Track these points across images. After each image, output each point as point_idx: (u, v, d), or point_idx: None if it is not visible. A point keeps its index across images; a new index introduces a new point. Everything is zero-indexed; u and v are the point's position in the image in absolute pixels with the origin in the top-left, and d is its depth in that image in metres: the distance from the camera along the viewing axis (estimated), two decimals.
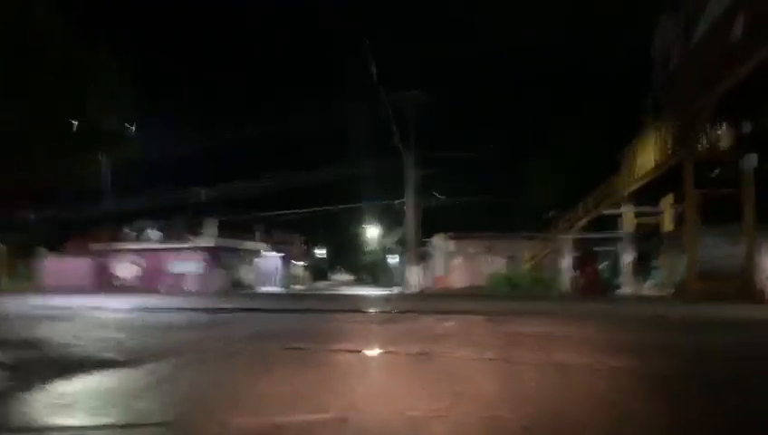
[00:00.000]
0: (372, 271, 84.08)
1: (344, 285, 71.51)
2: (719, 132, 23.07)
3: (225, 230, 46.45)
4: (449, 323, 10.66)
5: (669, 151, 25.33)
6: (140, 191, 42.55)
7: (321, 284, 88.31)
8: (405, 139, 33.90)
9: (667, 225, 32.60)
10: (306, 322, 11.49)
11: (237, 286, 45.76)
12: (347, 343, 7.48)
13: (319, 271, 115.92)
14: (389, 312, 14.15)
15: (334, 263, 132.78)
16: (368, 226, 67.11)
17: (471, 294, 28.64)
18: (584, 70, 39.33)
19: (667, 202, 32.46)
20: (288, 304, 19.84)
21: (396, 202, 36.02)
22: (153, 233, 44.83)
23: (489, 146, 37.88)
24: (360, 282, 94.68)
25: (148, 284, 41.23)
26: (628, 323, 11.63)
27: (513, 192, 42.31)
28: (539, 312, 14.35)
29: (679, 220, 32.96)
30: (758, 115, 21.24)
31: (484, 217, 42.29)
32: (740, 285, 22.15)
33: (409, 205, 34.38)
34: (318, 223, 77.06)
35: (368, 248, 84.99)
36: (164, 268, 42.44)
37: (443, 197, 35.76)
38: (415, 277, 34.45)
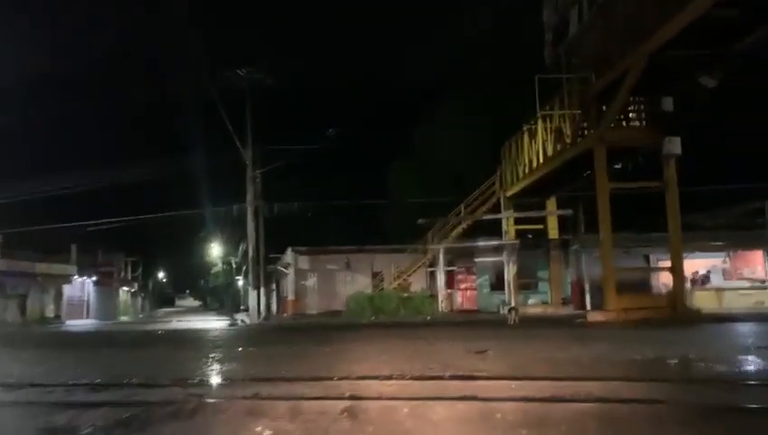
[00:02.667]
0: (218, 295, 74.55)
1: (185, 314, 61.69)
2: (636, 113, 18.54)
3: (13, 248, 36.05)
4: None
5: (568, 139, 20.53)
6: None
7: (163, 311, 77.39)
8: (242, 128, 26.81)
9: (552, 231, 28.30)
10: None
11: (39, 320, 35.59)
12: None
13: (163, 297, 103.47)
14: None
15: (182, 287, 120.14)
16: (212, 241, 58.14)
17: (320, 325, 22.06)
18: (464, 54, 34.43)
19: (552, 205, 28.13)
20: None
21: (235, 208, 28.51)
22: None
23: (350, 140, 31.70)
24: (206, 308, 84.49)
25: None
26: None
27: (381, 197, 36.42)
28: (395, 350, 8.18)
29: (565, 226, 28.94)
30: (689, 85, 16.69)
31: (346, 227, 35.90)
32: (669, 302, 17.54)
33: (250, 211, 27.15)
34: (153, 240, 66.48)
35: (214, 269, 75.72)
36: None
37: (295, 203, 28.80)
38: (256, 303, 27.21)
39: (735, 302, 24.72)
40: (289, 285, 33.41)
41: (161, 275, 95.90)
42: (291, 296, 33.00)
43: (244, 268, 39.53)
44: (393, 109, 38.89)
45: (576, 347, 10.46)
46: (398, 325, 20.16)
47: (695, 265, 25.77)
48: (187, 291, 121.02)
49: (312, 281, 32.68)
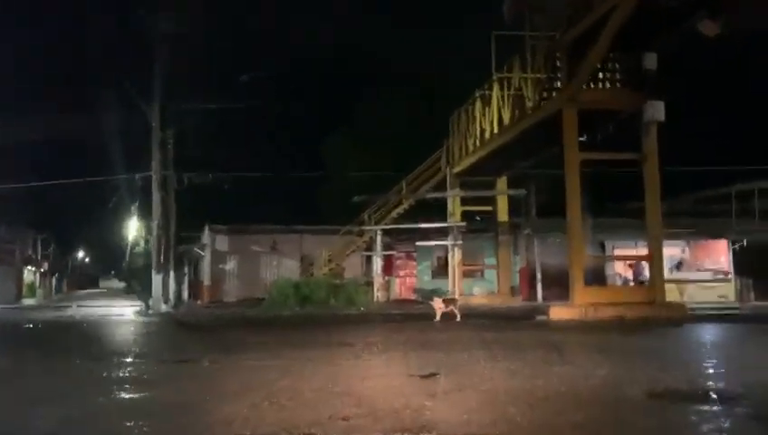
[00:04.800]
0: (139, 277, 69.01)
1: (102, 297, 56.22)
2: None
3: None
4: None
5: (530, 104, 17.45)
6: None
7: (82, 293, 71.33)
8: (148, 83, 22.52)
9: (502, 213, 25.38)
10: None
11: None
12: None
13: (85, 278, 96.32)
14: None
15: (108, 268, 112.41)
16: (128, 217, 52.74)
17: (229, 319, 18.47)
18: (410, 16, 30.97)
19: (504, 185, 25.20)
20: None
21: (138, 177, 24.20)
22: None
23: (280, 106, 27.85)
24: (130, 291, 78.31)
25: None
26: None
27: (314, 171, 32.48)
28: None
29: (516, 209, 26.06)
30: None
31: (273, 205, 31.95)
32: (646, 297, 14.74)
33: (156, 181, 22.99)
34: (68, 215, 60.69)
35: (136, 248, 70.05)
36: None
37: (210, 174, 24.65)
38: (163, 289, 23.18)
39: (698, 295, 22.49)
40: (205, 268, 29.39)
41: (81, 254, 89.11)
42: (207, 281, 29.02)
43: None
44: (331, 75, 34.94)
45: (560, 364, 7.30)
46: (324, 319, 16.74)
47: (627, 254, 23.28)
48: (112, 272, 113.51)
49: (231, 264, 28.83)
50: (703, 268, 24.50)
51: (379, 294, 24.50)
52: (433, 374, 6.55)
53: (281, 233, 28.33)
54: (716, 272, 23.97)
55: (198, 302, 29.08)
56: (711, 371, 7.05)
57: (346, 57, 33.10)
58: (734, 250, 23.62)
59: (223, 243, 28.97)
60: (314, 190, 32.65)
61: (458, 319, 14.53)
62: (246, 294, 27.26)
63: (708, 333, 11.77)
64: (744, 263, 23.52)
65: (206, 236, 29.30)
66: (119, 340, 12.88)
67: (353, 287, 23.46)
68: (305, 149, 34.43)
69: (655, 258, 14.96)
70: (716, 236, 24.19)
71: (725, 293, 23.37)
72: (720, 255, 24.26)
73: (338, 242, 27.06)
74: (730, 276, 23.61)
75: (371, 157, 30.81)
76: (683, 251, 25.12)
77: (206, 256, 29.10)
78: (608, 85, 15.64)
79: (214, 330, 14.41)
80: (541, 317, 14.73)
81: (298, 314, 20.08)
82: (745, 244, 23.37)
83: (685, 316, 13.97)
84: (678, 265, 24.06)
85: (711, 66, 25.81)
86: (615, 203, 25.05)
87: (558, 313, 14.59)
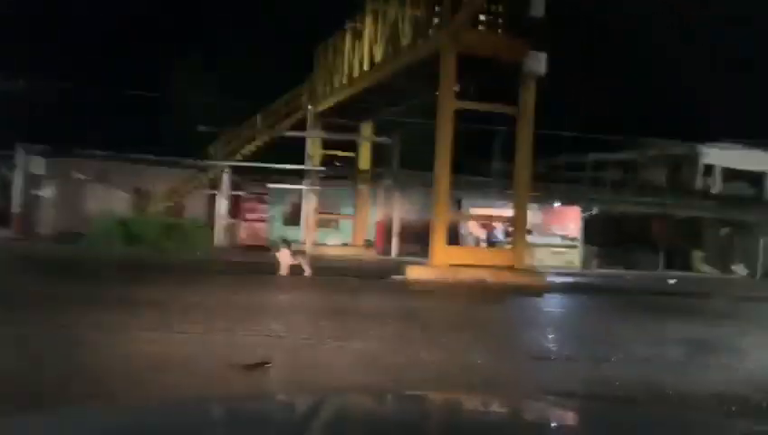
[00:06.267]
0: None
1: None
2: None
3: None
4: None
5: (405, 40, 15.71)
6: None
7: None
8: None
9: (364, 162, 23.82)
10: None
11: None
12: None
13: None
14: None
15: None
16: None
17: (32, 258, 15.37)
18: None
19: (369, 131, 23.56)
20: None
21: None
22: None
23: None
24: None
25: None
26: None
27: (159, 96, 28.43)
28: None
29: (380, 158, 24.57)
30: None
31: (106, 127, 27.61)
32: (507, 260, 13.88)
33: None
34: None
35: None
36: None
37: (20, 80, 20.23)
38: None
39: (547, 260, 22.58)
40: (15, 193, 24.92)
41: None
42: (16, 209, 24.65)
43: None
44: None
45: (426, 347, 5.76)
46: (148, 264, 14.22)
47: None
48: None
49: (48, 192, 24.66)
50: (552, 233, 24.76)
51: (220, 238, 22.07)
52: (262, 364, 4.69)
53: (111, 161, 24.56)
54: (565, 238, 24.30)
55: (5, 233, 24.65)
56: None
57: None
58: (584, 218, 24.00)
59: (39, 166, 24.65)
60: (156, 116, 28.69)
61: (307, 273, 12.78)
62: (65, 227, 23.42)
63: (570, 306, 11.06)
64: (591, 231, 24.05)
65: (18, 157, 24.72)
66: None
67: (192, 228, 20.84)
68: (148, 67, 29.97)
69: (519, 221, 14.12)
70: (569, 202, 24.44)
71: (572, 259, 23.78)
72: (571, 221, 24.59)
73: (179, 177, 23.99)
74: (578, 243, 24.03)
75: (225, 85, 27.64)
76: (534, 215, 25.21)
77: (18, 180, 24.65)
78: (492, 30, 14.25)
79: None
80: (397, 277, 13.37)
81: (121, 255, 17.19)
82: (594, 212, 23.82)
83: (543, 285, 13.30)
84: (529, 230, 24.07)
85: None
86: (470, 160, 24.40)
87: (416, 272, 13.32)
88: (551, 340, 6.96)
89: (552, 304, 10.90)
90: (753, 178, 31.09)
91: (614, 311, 10.04)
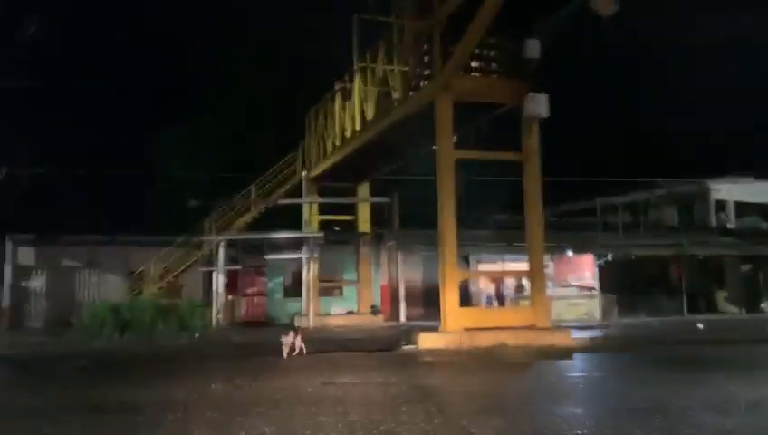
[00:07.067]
0: None
1: None
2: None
3: None
4: None
5: (396, 94, 15.02)
6: None
7: None
8: None
9: (364, 223, 22.86)
10: None
11: None
12: None
13: None
14: None
15: None
16: None
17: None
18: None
19: (366, 192, 22.72)
20: None
21: None
22: None
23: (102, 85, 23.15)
24: None
25: None
26: None
27: (147, 173, 27.63)
28: None
29: (379, 219, 23.62)
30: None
31: (92, 209, 26.68)
32: (527, 319, 12.67)
33: None
34: None
35: None
36: None
37: (5, 170, 19.50)
38: None
39: (564, 313, 21.31)
40: (5, 286, 23.87)
41: None
42: (5, 302, 23.54)
43: None
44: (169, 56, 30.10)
45: None
46: (136, 354, 13.04)
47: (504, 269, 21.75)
48: None
49: (38, 282, 23.61)
50: (567, 284, 23.52)
51: (220, 317, 20.87)
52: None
53: (101, 245, 23.63)
54: (582, 288, 23.03)
55: None
56: None
57: (185, 44, 28.68)
58: (598, 265, 22.83)
59: (27, 256, 23.72)
60: (143, 194, 27.72)
61: (303, 353, 11.39)
62: (58, 317, 22.24)
63: (607, 369, 9.80)
64: (607, 278, 22.84)
65: (6, 247, 23.81)
66: None
67: (187, 309, 19.62)
68: (133, 147, 29.17)
69: (537, 274, 12.98)
70: (582, 250, 23.30)
71: (590, 309, 22.44)
72: (585, 270, 23.37)
73: (172, 254, 22.97)
74: (595, 292, 22.75)
75: (215, 159, 26.88)
76: (545, 266, 24.02)
77: (6, 272, 23.64)
78: (487, 75, 13.53)
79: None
80: (408, 346, 12.15)
81: (112, 345, 15.97)
82: (610, 258, 22.68)
83: (571, 344, 12.05)
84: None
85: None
86: (474, 212, 23.45)
87: (428, 341, 12.09)
88: (597, 417, 5.76)
89: (586, 368, 9.66)
90: (766, 210, 30.16)
91: (659, 370, 8.84)
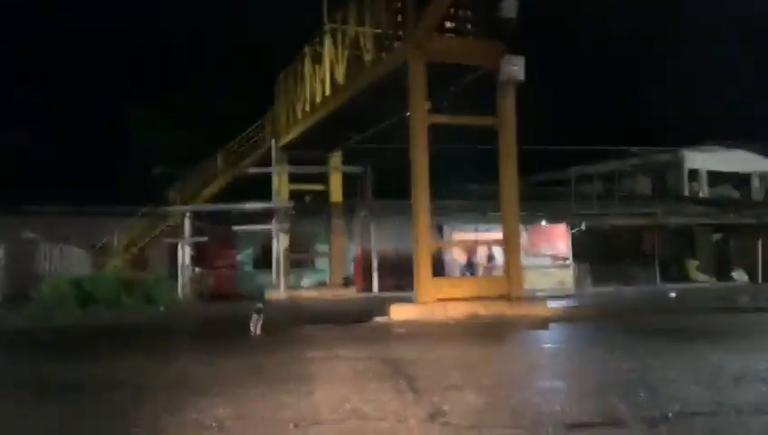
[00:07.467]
0: None
1: None
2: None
3: None
4: None
5: (368, 56, 14.43)
6: None
7: None
8: None
9: (336, 194, 22.31)
10: None
11: None
12: None
13: None
14: None
15: None
16: None
17: None
18: None
19: (338, 161, 22.14)
20: None
21: None
22: None
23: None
24: None
25: None
26: None
27: (113, 145, 26.53)
28: None
29: (352, 189, 23.09)
30: None
31: (55, 178, 25.64)
32: (500, 289, 12.37)
33: None
34: None
35: None
36: None
37: None
38: None
39: (538, 282, 21.12)
40: None
41: None
42: None
43: None
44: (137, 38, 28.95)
45: (429, 422, 4.19)
46: (97, 329, 12.46)
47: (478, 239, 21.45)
48: None
49: None
50: (540, 254, 23.38)
51: (185, 290, 20.30)
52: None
53: (65, 215, 22.75)
54: (555, 257, 22.91)
55: None
56: None
57: (155, 11, 27.54)
58: (572, 235, 22.70)
59: None
60: (113, 164, 26.80)
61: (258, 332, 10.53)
62: (17, 291, 21.43)
63: (584, 339, 9.53)
64: (581, 248, 22.76)
65: None
66: None
67: (153, 282, 19.02)
68: (103, 119, 28.07)
69: (512, 243, 12.64)
70: (556, 219, 23.14)
71: (564, 279, 22.37)
72: (559, 239, 23.24)
73: (138, 225, 22.21)
74: (569, 262, 22.66)
75: (184, 130, 25.95)
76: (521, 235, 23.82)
77: None
78: (462, 36, 12.98)
79: None
80: (380, 318, 11.77)
81: (72, 319, 15.33)
82: (584, 228, 22.55)
83: (546, 314, 11.79)
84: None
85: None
86: (448, 182, 23.07)
87: (401, 312, 11.72)
88: (580, 394, 5.43)
89: (563, 339, 9.39)
90: (738, 179, 30.34)
91: (636, 340, 8.58)
